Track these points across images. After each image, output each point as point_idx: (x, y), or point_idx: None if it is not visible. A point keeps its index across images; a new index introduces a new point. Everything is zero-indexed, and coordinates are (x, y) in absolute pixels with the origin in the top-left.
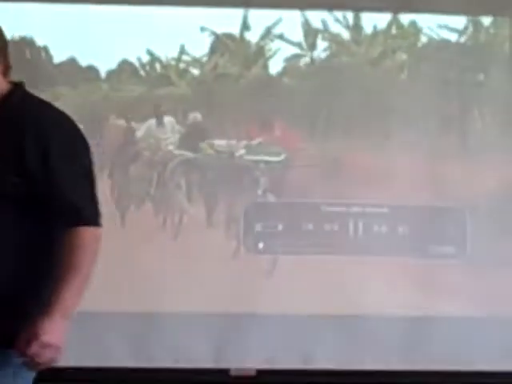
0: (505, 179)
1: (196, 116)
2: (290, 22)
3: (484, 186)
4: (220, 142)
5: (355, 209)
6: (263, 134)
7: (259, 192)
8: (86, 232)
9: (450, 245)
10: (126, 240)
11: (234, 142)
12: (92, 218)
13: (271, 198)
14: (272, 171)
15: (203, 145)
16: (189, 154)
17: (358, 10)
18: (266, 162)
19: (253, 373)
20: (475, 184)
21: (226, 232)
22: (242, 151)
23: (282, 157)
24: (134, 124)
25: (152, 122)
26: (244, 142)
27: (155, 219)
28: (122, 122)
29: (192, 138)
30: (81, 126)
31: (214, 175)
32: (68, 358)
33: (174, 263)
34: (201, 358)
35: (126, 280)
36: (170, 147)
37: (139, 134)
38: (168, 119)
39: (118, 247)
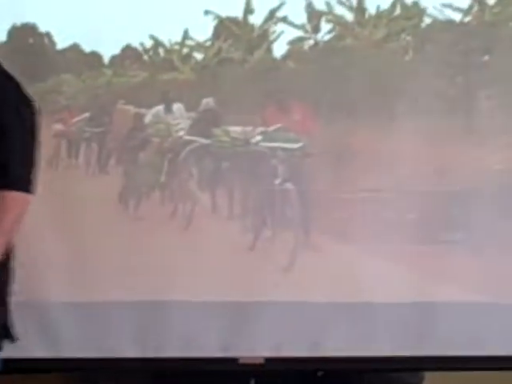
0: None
1: (208, 101)
2: (294, 4)
3: (490, 169)
4: (235, 128)
5: (363, 195)
6: (282, 119)
7: (277, 181)
8: (11, 196)
9: (457, 229)
10: (135, 229)
11: (249, 128)
12: (20, 182)
13: (290, 188)
14: (290, 159)
15: (217, 131)
16: (202, 141)
17: None
18: (284, 150)
19: (261, 361)
20: (481, 167)
21: (241, 223)
22: (259, 138)
23: (301, 143)
24: (140, 110)
25: (160, 107)
26: (260, 129)
27: (165, 208)
28: (128, 108)
29: (204, 123)
30: (86, 114)
31: (228, 163)
32: (75, 348)
33: (183, 253)
34: (209, 347)
35: (134, 269)
36: (181, 133)
37: (147, 119)
38: (177, 105)
39: (127, 236)
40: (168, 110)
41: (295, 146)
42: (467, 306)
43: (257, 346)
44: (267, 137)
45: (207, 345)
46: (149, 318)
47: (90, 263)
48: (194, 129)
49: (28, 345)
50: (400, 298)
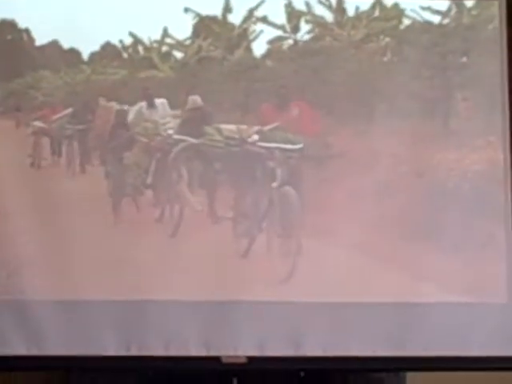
0: (488, 162)
1: (195, 99)
2: (273, 3)
3: (467, 169)
4: (229, 127)
5: (341, 195)
6: (280, 117)
7: (274, 184)
8: None
9: (436, 229)
10: (120, 233)
11: (244, 126)
12: None
13: (290, 192)
14: (289, 161)
15: (209, 129)
16: (192, 140)
17: None
18: (282, 151)
19: (244, 360)
20: (459, 167)
21: (234, 228)
22: (255, 137)
23: (301, 144)
24: (122, 107)
25: (142, 104)
26: (257, 127)
27: (152, 210)
28: (111, 105)
29: (193, 122)
30: (67, 111)
31: (221, 163)
32: (59, 346)
33: (170, 255)
34: (192, 346)
35: (119, 268)
36: (170, 132)
37: (130, 117)
38: (160, 100)
39: (111, 239)
40: (151, 105)
41: (295, 147)
42: (449, 305)
43: (240, 345)
44: (264, 136)
45: (190, 343)
46: (132, 316)
47: (73, 262)
48: (183, 127)
49: (9, 342)
50: (381, 298)
